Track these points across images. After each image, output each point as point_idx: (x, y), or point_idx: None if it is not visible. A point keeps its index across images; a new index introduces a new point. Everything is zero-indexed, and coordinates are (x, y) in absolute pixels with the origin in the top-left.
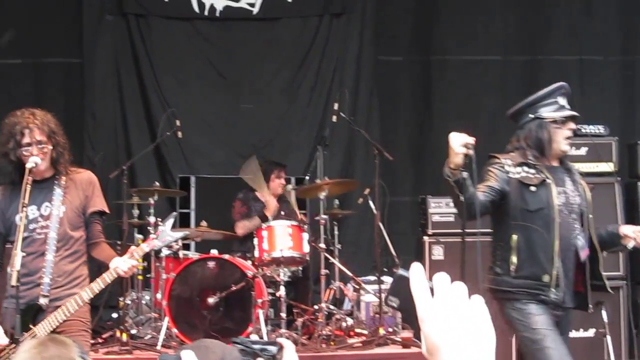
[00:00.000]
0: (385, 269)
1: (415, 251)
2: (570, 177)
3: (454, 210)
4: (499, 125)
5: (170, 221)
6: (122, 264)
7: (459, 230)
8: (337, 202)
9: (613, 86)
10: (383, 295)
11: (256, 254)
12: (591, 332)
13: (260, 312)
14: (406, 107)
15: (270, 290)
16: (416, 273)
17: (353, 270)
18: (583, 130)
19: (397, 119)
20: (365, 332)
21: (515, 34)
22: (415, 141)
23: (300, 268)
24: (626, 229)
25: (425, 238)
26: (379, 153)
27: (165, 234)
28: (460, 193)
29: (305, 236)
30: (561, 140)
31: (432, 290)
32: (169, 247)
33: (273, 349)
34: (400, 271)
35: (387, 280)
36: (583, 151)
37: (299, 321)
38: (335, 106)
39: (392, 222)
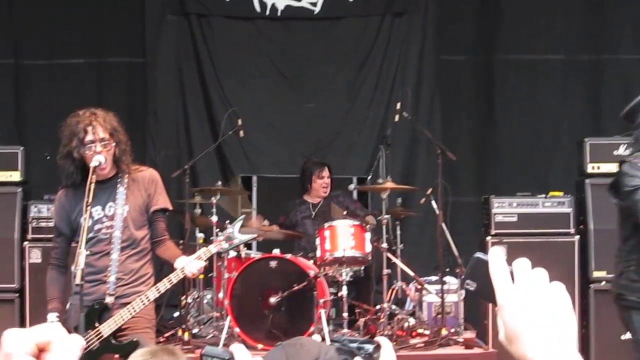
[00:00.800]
0: (447, 269)
1: (477, 251)
2: None
3: (517, 210)
4: (563, 125)
5: (239, 223)
6: (191, 266)
7: (522, 231)
8: (399, 200)
9: None
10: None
11: (318, 253)
12: None
13: (322, 312)
14: (468, 107)
15: (332, 290)
16: (496, 257)
17: (415, 270)
18: None
19: (459, 119)
20: (427, 332)
21: (579, 33)
22: (477, 141)
23: (362, 268)
24: None
25: (488, 238)
26: (441, 152)
27: (234, 236)
28: None
29: (368, 236)
30: None
31: (512, 275)
32: (236, 249)
33: (370, 347)
34: (479, 254)
35: (450, 280)
36: None
37: (361, 321)
38: (398, 105)
39: (454, 222)
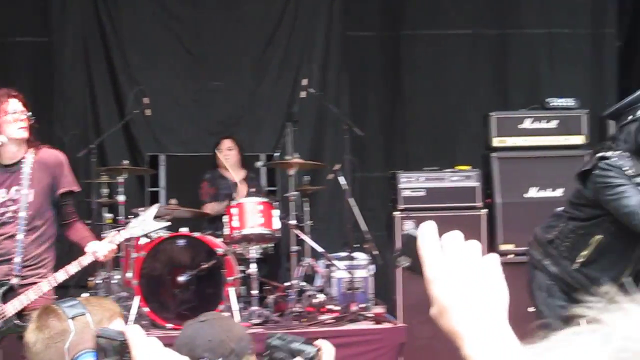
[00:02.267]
0: (356, 245)
1: (386, 226)
2: None
3: (425, 185)
4: (469, 100)
5: (153, 210)
6: (102, 249)
7: (429, 205)
8: (307, 178)
9: (583, 59)
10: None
11: (226, 231)
12: None
13: (231, 290)
14: (376, 83)
15: (241, 268)
16: (426, 231)
17: (324, 246)
18: (553, 104)
19: (367, 95)
20: (337, 308)
21: (485, 8)
22: (385, 116)
23: (271, 245)
24: None
25: (396, 213)
26: (349, 128)
27: (146, 223)
28: None
29: (276, 213)
30: None
31: (441, 248)
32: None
33: (311, 350)
34: (410, 230)
35: (359, 256)
36: (553, 124)
37: (271, 298)
38: (304, 82)
39: (363, 197)
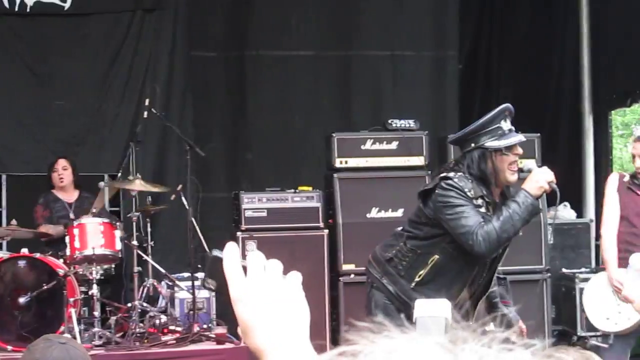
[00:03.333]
0: (199, 266)
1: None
2: None
3: (267, 205)
4: (313, 121)
5: None
6: None
7: (272, 226)
8: (149, 198)
9: (424, 81)
10: (197, 284)
11: (68, 252)
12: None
13: (73, 311)
14: (220, 103)
15: (83, 289)
16: (229, 252)
17: (167, 267)
18: (394, 125)
19: (212, 115)
20: (179, 329)
21: (328, 30)
22: (229, 137)
23: (113, 266)
24: None
25: (239, 234)
26: (190, 149)
27: None
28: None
29: (118, 233)
30: (507, 169)
31: (245, 269)
32: None
33: None
34: (215, 252)
35: (201, 276)
36: (394, 145)
37: (113, 319)
38: (146, 102)
39: (206, 218)
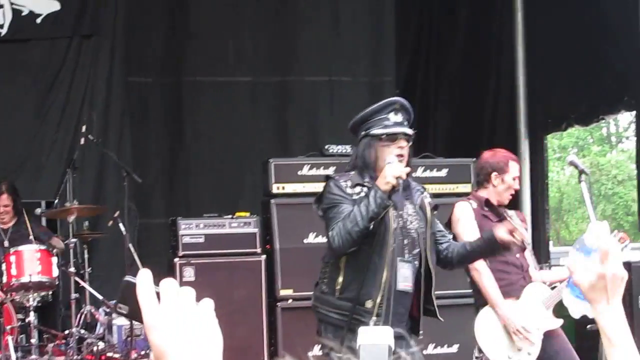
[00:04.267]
0: None
1: (167, 273)
2: (411, 199)
3: (204, 232)
4: (251, 147)
5: None
6: None
7: (209, 252)
8: (87, 224)
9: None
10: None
11: (4, 279)
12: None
13: (10, 339)
14: (158, 129)
15: (20, 316)
16: (143, 279)
17: (105, 293)
18: (331, 150)
19: (149, 141)
20: (117, 355)
21: (266, 56)
22: (167, 163)
23: (50, 293)
24: (500, 233)
25: (176, 259)
26: (127, 175)
27: None
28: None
29: (55, 260)
30: (388, 159)
31: (159, 295)
32: None
33: None
34: (128, 277)
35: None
36: (331, 171)
37: (50, 347)
38: (83, 129)
39: (145, 244)
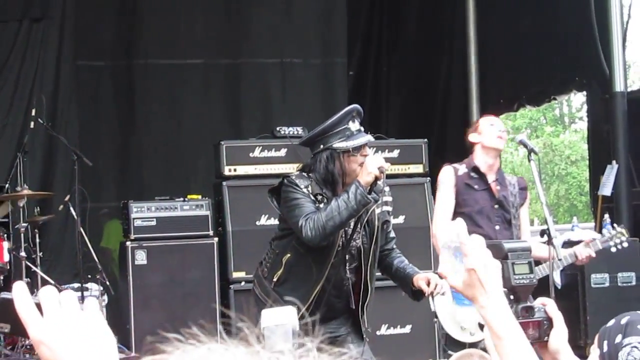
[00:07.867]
0: (88, 276)
1: (119, 256)
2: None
3: (156, 215)
4: (203, 129)
5: None
6: None
7: (161, 235)
8: (37, 209)
9: (314, 88)
10: None
11: None
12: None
13: None
14: (109, 112)
15: None
16: (19, 293)
17: (55, 277)
18: (282, 132)
19: (100, 124)
20: None
21: (218, 38)
22: (118, 146)
23: (1, 277)
24: (420, 282)
25: (128, 243)
26: (78, 158)
27: None
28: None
29: (6, 245)
30: (356, 169)
31: (39, 307)
32: None
33: None
34: (3, 294)
35: (91, 286)
36: (282, 153)
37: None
38: (33, 112)
39: (97, 228)
